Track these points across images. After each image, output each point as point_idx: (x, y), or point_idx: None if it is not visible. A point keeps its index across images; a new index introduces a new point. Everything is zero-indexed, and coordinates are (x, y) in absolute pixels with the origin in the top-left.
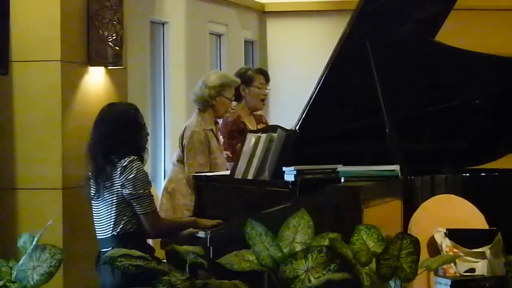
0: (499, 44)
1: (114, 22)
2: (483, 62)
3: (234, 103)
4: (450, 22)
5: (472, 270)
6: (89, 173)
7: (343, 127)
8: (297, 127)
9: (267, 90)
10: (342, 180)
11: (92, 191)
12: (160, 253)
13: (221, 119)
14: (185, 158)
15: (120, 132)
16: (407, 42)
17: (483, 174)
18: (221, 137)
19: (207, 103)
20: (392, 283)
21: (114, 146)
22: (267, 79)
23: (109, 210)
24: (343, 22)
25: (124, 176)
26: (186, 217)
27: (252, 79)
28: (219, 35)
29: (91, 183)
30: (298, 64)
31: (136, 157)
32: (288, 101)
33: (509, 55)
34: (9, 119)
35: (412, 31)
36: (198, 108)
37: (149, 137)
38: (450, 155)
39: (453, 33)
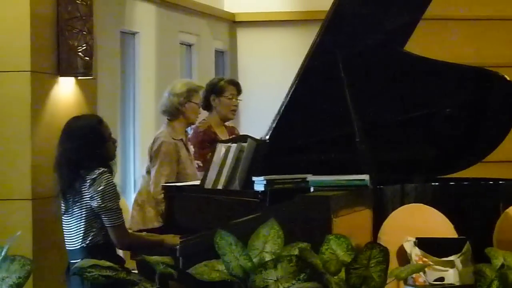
0: (470, 54)
1: (84, 32)
2: (454, 71)
3: (205, 113)
4: (421, 32)
5: (442, 279)
6: (58, 189)
7: (314, 136)
8: (268, 137)
9: (238, 101)
10: (312, 189)
11: (62, 207)
12: (131, 264)
13: (191, 129)
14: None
15: (86, 147)
16: (376, 52)
17: (453, 183)
18: (191, 147)
19: (177, 111)
20: None
21: (81, 162)
22: (238, 90)
23: (78, 223)
24: (313, 32)
25: (93, 188)
26: (155, 229)
27: (223, 89)
28: (189, 45)
29: (60, 198)
30: (268, 74)
31: (105, 170)
32: (258, 111)
33: (480, 64)
34: None
35: (381, 41)
36: (167, 119)
37: (118, 149)
38: (420, 164)
39: (424, 43)
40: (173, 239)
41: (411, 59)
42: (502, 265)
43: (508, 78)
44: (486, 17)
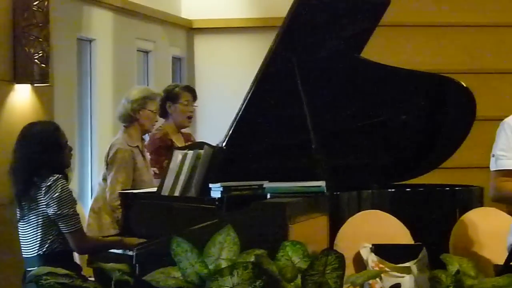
0: (426, 60)
1: (41, 39)
2: (410, 78)
3: (162, 120)
4: (377, 39)
5: (398, 285)
6: (13, 195)
7: (270, 143)
8: (224, 144)
9: (194, 107)
10: (268, 196)
11: (17, 214)
12: (88, 271)
13: (148, 136)
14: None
15: (41, 154)
16: (333, 59)
17: (409, 189)
18: (148, 154)
19: (131, 118)
20: None
21: (36, 169)
22: (194, 97)
23: (34, 231)
24: (270, 39)
25: (49, 196)
26: (112, 236)
27: (179, 96)
28: (146, 52)
29: (16, 205)
30: (226, 80)
31: (60, 176)
32: (215, 118)
33: (436, 71)
34: None
35: (338, 48)
36: (123, 125)
37: (75, 155)
38: (377, 170)
39: (380, 49)
40: (131, 240)
41: (367, 66)
42: (458, 271)
43: (464, 85)
44: (442, 24)
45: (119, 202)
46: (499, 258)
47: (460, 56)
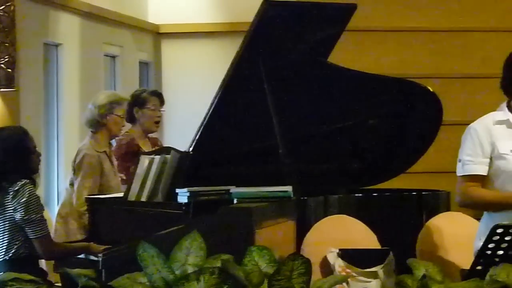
0: (393, 65)
1: (6, 44)
2: (377, 83)
3: (128, 125)
4: (344, 43)
5: None
6: None
7: (237, 148)
8: (191, 149)
9: (161, 112)
10: (235, 201)
11: None
12: (55, 277)
13: (115, 142)
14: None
15: (10, 159)
16: (300, 63)
17: (375, 194)
18: (115, 159)
19: (98, 124)
20: None
21: (4, 174)
22: (161, 101)
23: (1, 236)
24: (237, 44)
25: (16, 200)
26: (80, 242)
27: (146, 101)
28: (114, 57)
29: None
30: (193, 85)
31: (28, 181)
32: (183, 123)
33: (403, 75)
34: None
35: (305, 53)
36: (91, 131)
37: (42, 161)
38: (344, 175)
39: (347, 54)
40: (99, 246)
41: (334, 70)
42: (424, 276)
43: (431, 89)
44: (409, 28)
45: (85, 207)
46: (466, 263)
47: (427, 61)
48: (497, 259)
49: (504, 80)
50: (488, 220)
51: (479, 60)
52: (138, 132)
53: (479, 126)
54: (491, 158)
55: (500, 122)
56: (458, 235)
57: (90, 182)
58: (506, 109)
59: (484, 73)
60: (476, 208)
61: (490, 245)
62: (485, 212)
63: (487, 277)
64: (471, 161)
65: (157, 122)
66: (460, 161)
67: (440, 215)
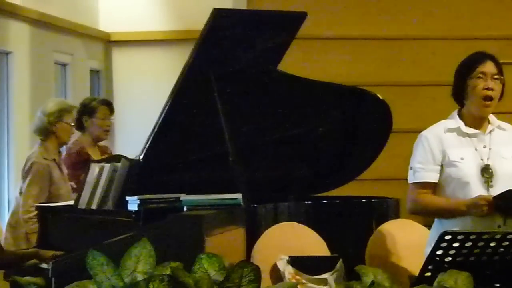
0: (342, 72)
1: None
2: (327, 90)
3: (78, 133)
4: (294, 51)
5: None
6: None
7: (188, 156)
8: (141, 157)
9: (111, 121)
10: (185, 209)
11: None
12: (5, 285)
13: (65, 150)
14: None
15: None
16: (250, 71)
17: (325, 201)
18: (65, 167)
19: (48, 131)
20: None
21: None
22: (111, 110)
23: None
24: (189, 52)
25: None
26: (29, 249)
27: (96, 110)
28: (64, 65)
29: None
30: (144, 93)
31: None
32: (133, 130)
33: (353, 83)
34: None
35: (255, 60)
36: (40, 138)
37: None
38: (294, 183)
39: (297, 62)
40: (48, 252)
41: (285, 78)
42: (372, 282)
43: (380, 97)
44: (359, 37)
45: (31, 215)
46: (415, 269)
47: (377, 69)
48: (445, 266)
49: (454, 88)
50: (439, 227)
51: (429, 68)
52: (87, 140)
53: (430, 134)
54: (442, 166)
55: (451, 130)
56: (407, 242)
57: (37, 189)
58: (457, 117)
59: (434, 81)
60: (427, 215)
61: (439, 252)
62: (436, 219)
63: (435, 283)
64: (422, 168)
65: (107, 131)
66: (411, 168)
67: (390, 222)
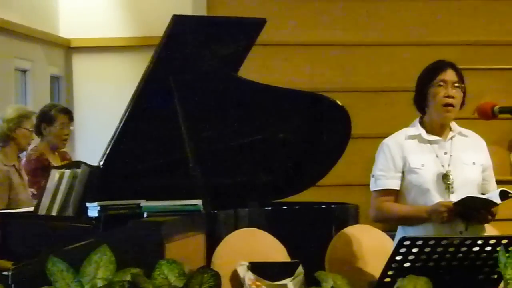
0: (302, 78)
1: None
2: (287, 97)
3: (37, 140)
4: (254, 57)
5: None
6: None
7: (148, 162)
8: (102, 163)
9: (69, 130)
10: (145, 215)
11: None
12: None
13: (25, 156)
14: None
15: None
16: (210, 78)
17: (285, 207)
18: (24, 173)
19: (7, 138)
20: None
21: None
22: (70, 118)
23: None
24: (149, 58)
25: None
26: None
27: (54, 118)
28: (24, 71)
29: None
30: (105, 99)
31: None
32: (94, 137)
33: (313, 89)
34: None
35: (215, 67)
36: (0, 145)
37: None
38: (254, 189)
39: (257, 68)
40: (5, 263)
41: (244, 85)
42: None
43: (339, 103)
44: (318, 43)
45: None
46: (374, 275)
47: (336, 75)
48: (404, 271)
49: (416, 96)
50: (402, 233)
51: (388, 74)
52: (46, 147)
53: (392, 142)
54: (403, 173)
55: (412, 137)
56: (366, 248)
57: None
58: (419, 124)
59: (393, 87)
60: (390, 223)
61: (398, 257)
62: (399, 226)
63: None
64: (384, 176)
65: (65, 140)
66: (373, 176)
67: (349, 227)
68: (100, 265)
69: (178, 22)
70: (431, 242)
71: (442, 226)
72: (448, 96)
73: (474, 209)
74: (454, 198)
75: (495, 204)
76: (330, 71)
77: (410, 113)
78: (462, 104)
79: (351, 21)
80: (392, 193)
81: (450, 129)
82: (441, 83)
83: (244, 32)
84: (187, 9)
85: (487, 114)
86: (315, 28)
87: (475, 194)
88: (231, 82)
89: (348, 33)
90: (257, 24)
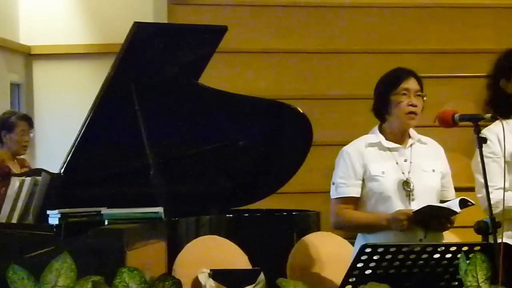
0: (265, 86)
1: None
2: (248, 104)
3: None
4: (216, 65)
5: None
6: None
7: (109, 169)
8: (62, 170)
9: (30, 136)
10: (106, 222)
11: None
12: None
13: None
14: None
15: None
16: (171, 85)
17: (246, 214)
18: None
19: None
20: None
21: None
22: (30, 125)
23: None
24: (110, 65)
25: None
26: None
27: (14, 125)
28: None
29: None
30: (66, 106)
31: None
32: (55, 144)
33: (274, 97)
34: None
35: (176, 74)
36: None
37: None
38: (215, 196)
39: (219, 75)
40: None
41: (205, 92)
42: None
43: (301, 110)
44: (280, 50)
45: None
46: (335, 281)
47: (298, 83)
48: (365, 278)
49: (376, 104)
50: (362, 241)
51: (348, 81)
52: (6, 154)
53: (352, 149)
54: (363, 180)
55: (372, 145)
56: (327, 254)
57: None
58: (378, 132)
59: (353, 95)
60: (350, 230)
61: (359, 265)
62: (359, 234)
63: None
64: (344, 183)
65: (25, 147)
66: (333, 184)
67: (311, 235)
68: (61, 272)
69: (139, 29)
70: (392, 249)
71: (402, 234)
72: (411, 105)
73: (434, 217)
74: (415, 205)
75: (455, 213)
76: (291, 79)
77: (371, 120)
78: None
79: (313, 29)
80: (353, 201)
81: (409, 136)
82: (404, 92)
83: (205, 39)
84: (148, 17)
85: (447, 122)
86: (277, 35)
87: (435, 201)
88: (192, 89)
89: (310, 40)
90: (218, 32)
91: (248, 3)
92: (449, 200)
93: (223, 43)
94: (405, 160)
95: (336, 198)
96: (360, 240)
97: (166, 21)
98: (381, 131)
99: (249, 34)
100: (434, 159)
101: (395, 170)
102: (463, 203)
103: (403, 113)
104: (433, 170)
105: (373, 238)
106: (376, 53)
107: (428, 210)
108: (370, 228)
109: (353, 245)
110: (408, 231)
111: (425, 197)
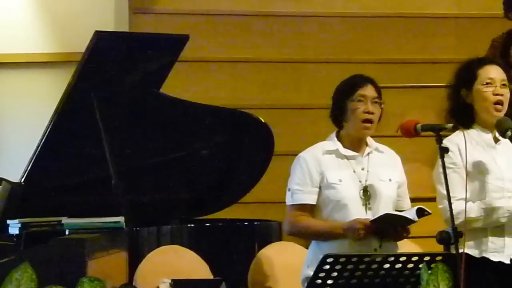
0: (226, 96)
1: None
2: (209, 113)
3: None
4: (177, 74)
5: None
6: None
7: (71, 179)
8: (23, 180)
9: None
10: (67, 232)
11: None
12: None
13: None
14: None
15: None
16: (132, 94)
17: (208, 224)
18: None
19: None
20: None
21: None
22: None
23: None
24: (71, 74)
25: None
26: None
27: None
28: None
29: None
30: (26, 115)
31: None
32: (16, 153)
33: (235, 106)
34: None
35: (137, 83)
36: None
37: None
38: (177, 206)
39: (180, 84)
40: None
41: (167, 101)
42: None
43: (262, 120)
44: (240, 59)
45: None
46: None
47: (259, 92)
48: None
49: (333, 110)
50: (316, 249)
51: (309, 91)
52: None
53: (308, 155)
54: (320, 187)
55: (330, 152)
56: (289, 264)
57: None
58: (336, 139)
59: (314, 104)
60: (304, 237)
61: (321, 274)
62: (313, 241)
63: None
64: (300, 190)
65: None
66: (289, 190)
67: (272, 244)
68: (21, 282)
69: (100, 38)
70: (354, 259)
71: (357, 243)
72: (367, 112)
73: (391, 226)
74: (372, 213)
75: (412, 222)
76: (252, 88)
77: (331, 130)
78: (379, 119)
79: (273, 38)
80: (308, 208)
81: (367, 145)
82: (361, 98)
83: (166, 48)
84: (109, 25)
85: (410, 131)
86: (238, 45)
87: (392, 210)
88: (153, 98)
89: (270, 50)
90: (180, 41)
91: (211, 12)
92: (405, 210)
93: (184, 52)
94: (363, 169)
95: (292, 204)
96: (314, 247)
97: (127, 30)
98: (339, 138)
99: (210, 43)
100: (391, 168)
101: (352, 178)
102: (420, 212)
103: (358, 120)
104: (390, 180)
105: (327, 246)
106: (337, 63)
107: (385, 219)
108: (325, 236)
109: None
110: (363, 240)
111: (381, 206)
